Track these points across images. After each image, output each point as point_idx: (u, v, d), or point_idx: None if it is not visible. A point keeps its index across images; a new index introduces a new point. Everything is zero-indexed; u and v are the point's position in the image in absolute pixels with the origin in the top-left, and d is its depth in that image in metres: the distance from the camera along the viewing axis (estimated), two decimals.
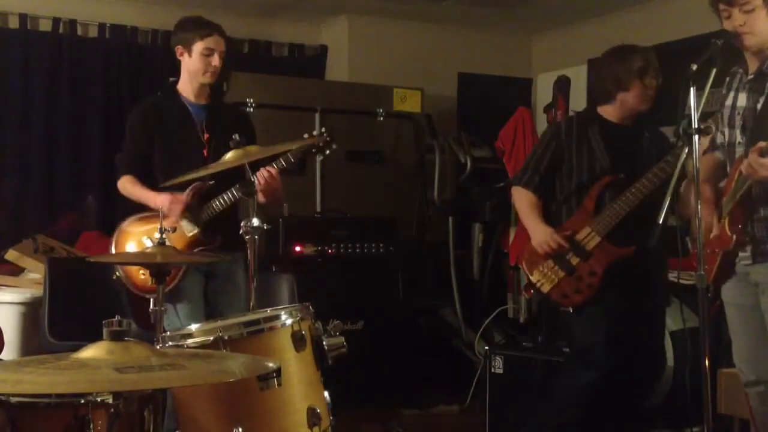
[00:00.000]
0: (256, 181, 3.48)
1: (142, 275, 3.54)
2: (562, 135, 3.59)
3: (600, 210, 3.45)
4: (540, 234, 3.52)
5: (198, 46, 3.65)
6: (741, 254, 2.88)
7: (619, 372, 3.48)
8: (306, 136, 3.51)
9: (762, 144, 2.67)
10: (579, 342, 3.64)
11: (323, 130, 3.55)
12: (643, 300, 3.52)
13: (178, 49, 3.72)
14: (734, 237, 2.84)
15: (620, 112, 3.53)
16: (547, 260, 3.50)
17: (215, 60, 3.65)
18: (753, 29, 2.78)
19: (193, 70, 3.68)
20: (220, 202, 3.54)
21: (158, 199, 3.56)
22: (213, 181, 3.46)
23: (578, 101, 5.42)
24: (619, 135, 3.50)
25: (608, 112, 3.55)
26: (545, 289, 3.51)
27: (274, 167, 3.51)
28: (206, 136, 3.63)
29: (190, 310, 3.53)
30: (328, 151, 3.53)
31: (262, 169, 3.48)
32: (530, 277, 3.56)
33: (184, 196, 3.52)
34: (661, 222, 2.69)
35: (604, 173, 3.46)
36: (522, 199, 3.65)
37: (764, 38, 2.81)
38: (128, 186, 3.70)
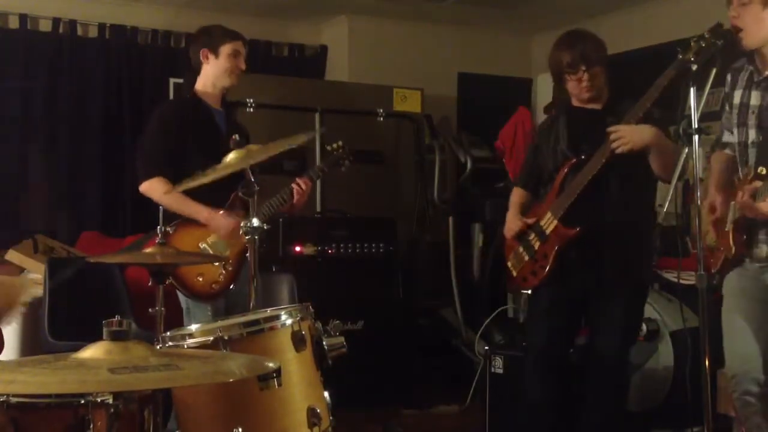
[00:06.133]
0: (294, 193, 3.69)
1: (198, 280, 3.54)
2: (538, 128, 3.76)
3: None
4: (508, 222, 3.67)
5: (226, 48, 3.70)
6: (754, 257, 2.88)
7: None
8: (328, 148, 4.00)
9: (757, 184, 2.70)
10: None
11: (341, 143, 3.96)
12: (598, 288, 3.47)
13: (203, 52, 3.72)
14: (734, 248, 2.85)
15: (576, 98, 3.55)
16: (519, 246, 3.60)
17: (241, 62, 3.73)
18: (744, 23, 2.78)
19: (220, 72, 3.71)
20: (269, 208, 3.64)
21: (220, 221, 3.56)
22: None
23: None
24: (583, 118, 3.50)
25: (573, 97, 3.59)
26: (515, 273, 3.63)
27: (308, 180, 3.75)
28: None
29: (215, 310, 3.56)
30: (347, 162, 3.96)
31: (298, 180, 3.72)
32: (507, 263, 3.68)
33: (238, 218, 3.51)
34: (661, 221, 2.69)
35: (566, 157, 3.49)
36: (511, 197, 3.78)
37: (760, 36, 2.80)
38: (163, 190, 3.56)
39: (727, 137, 3.04)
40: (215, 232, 3.59)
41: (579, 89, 3.47)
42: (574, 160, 3.44)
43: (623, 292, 3.45)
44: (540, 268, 3.49)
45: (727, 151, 3.05)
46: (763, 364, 2.87)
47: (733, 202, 2.87)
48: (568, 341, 3.62)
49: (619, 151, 3.28)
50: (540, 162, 3.62)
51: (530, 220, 3.56)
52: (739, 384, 2.94)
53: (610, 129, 3.30)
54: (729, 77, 3.00)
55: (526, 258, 3.55)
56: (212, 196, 3.57)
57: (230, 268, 3.58)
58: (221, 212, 3.58)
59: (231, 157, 2.88)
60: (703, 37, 3.10)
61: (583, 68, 3.41)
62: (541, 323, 3.60)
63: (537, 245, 3.50)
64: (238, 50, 3.72)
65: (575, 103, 3.56)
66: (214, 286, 3.55)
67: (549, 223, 3.46)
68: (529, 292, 3.62)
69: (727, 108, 3.01)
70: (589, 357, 3.55)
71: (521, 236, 3.58)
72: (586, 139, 3.43)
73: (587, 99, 3.49)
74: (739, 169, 2.95)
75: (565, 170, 3.46)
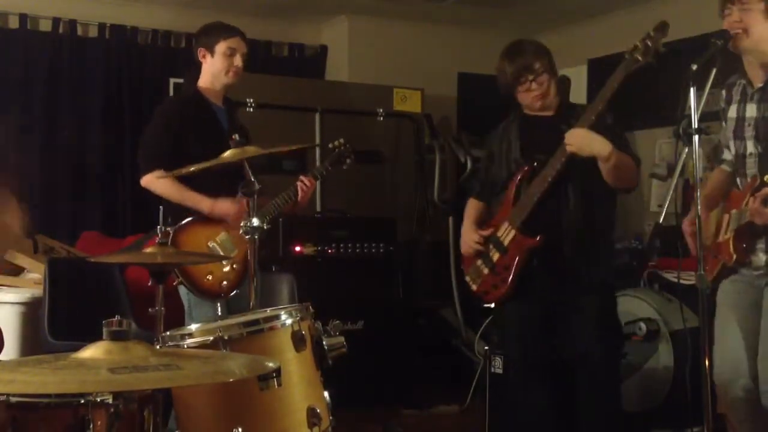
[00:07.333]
0: (299, 191, 3.68)
1: (208, 279, 3.52)
2: (491, 137, 3.64)
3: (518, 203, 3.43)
4: (464, 237, 3.59)
5: (220, 47, 3.69)
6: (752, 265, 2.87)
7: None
8: (330, 146, 3.92)
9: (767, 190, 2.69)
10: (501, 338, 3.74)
11: (342, 141, 3.90)
12: (562, 293, 3.41)
13: (201, 51, 3.73)
14: (735, 256, 2.84)
15: (528, 108, 3.52)
16: (477, 259, 3.52)
17: (237, 60, 3.71)
18: (747, 28, 2.78)
19: (216, 71, 3.71)
20: (275, 208, 3.63)
21: (223, 207, 3.54)
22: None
23: (578, 101, 5.41)
24: (535, 125, 3.47)
25: (524, 105, 3.55)
26: (474, 287, 3.54)
27: (312, 178, 3.74)
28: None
29: (222, 308, 3.56)
30: (349, 160, 3.90)
31: (302, 178, 3.70)
32: (466, 277, 3.60)
33: (242, 205, 3.47)
34: (661, 222, 2.69)
35: (518, 165, 3.44)
36: (466, 209, 3.69)
37: (758, 43, 2.80)
38: (164, 182, 3.55)
39: (725, 155, 3.05)
40: (222, 218, 3.56)
41: (530, 99, 3.44)
42: (527, 167, 3.39)
43: (591, 296, 3.37)
44: (501, 282, 3.41)
45: (724, 167, 3.06)
46: (749, 369, 2.88)
47: (733, 211, 2.86)
48: (546, 347, 3.49)
49: (568, 150, 3.23)
50: (494, 171, 3.56)
51: (486, 232, 3.48)
52: (729, 390, 2.94)
53: (567, 133, 3.24)
54: (724, 93, 3.01)
55: (486, 271, 3.47)
56: (216, 197, 3.57)
57: (238, 267, 3.57)
58: (229, 202, 3.55)
59: (227, 154, 2.89)
60: (649, 35, 3.12)
61: (531, 78, 3.40)
62: (514, 336, 3.55)
63: (496, 257, 3.42)
64: (233, 48, 3.69)
65: (527, 111, 3.52)
66: (223, 284, 3.55)
67: (507, 233, 3.39)
68: (492, 305, 3.54)
69: (723, 124, 3.01)
70: (572, 361, 3.47)
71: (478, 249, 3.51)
72: (539, 146, 3.37)
73: (539, 107, 3.47)
74: (738, 181, 2.95)
75: (519, 178, 3.40)
